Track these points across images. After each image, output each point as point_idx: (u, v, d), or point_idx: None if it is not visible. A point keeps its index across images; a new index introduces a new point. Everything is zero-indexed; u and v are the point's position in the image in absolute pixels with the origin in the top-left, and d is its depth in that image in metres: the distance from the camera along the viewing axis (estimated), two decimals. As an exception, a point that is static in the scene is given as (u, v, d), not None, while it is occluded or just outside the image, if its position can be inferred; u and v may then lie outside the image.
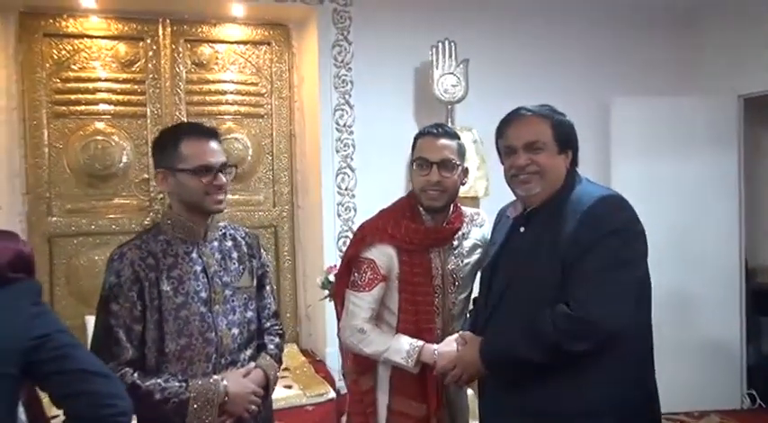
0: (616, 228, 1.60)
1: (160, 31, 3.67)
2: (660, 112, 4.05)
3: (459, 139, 1.99)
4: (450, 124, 3.67)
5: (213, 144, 1.74)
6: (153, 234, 1.74)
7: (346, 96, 3.69)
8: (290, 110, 3.96)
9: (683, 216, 4.01)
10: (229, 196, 3.68)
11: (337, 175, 3.69)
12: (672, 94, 4.25)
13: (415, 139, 2.01)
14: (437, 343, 1.90)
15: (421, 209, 1.97)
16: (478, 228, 2.09)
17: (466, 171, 2.01)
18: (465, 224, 2.05)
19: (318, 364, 3.55)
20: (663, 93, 4.25)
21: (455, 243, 2.02)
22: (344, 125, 3.68)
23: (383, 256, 1.94)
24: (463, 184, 2.01)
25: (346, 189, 3.69)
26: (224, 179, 1.74)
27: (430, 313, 1.95)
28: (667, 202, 4.00)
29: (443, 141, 1.93)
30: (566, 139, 1.77)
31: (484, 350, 1.74)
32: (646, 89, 4.22)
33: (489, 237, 2.03)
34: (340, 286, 2.03)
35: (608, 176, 4.09)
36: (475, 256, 2.05)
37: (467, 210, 2.12)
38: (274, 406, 2.35)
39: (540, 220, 1.74)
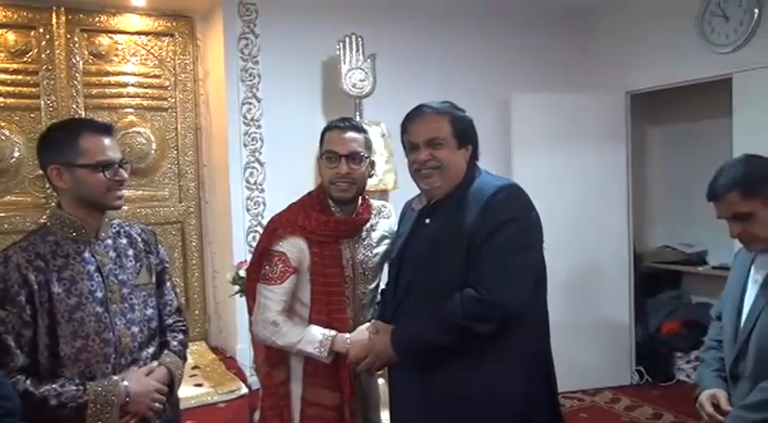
0: (515, 215, 1.71)
1: (54, 20, 3.50)
2: (555, 108, 4.27)
3: (366, 132, 2.04)
4: (358, 118, 3.73)
5: (110, 140, 1.71)
6: (41, 235, 1.67)
7: (254, 90, 3.66)
8: (196, 103, 3.89)
9: (577, 205, 4.25)
10: (133, 192, 3.65)
11: (245, 170, 3.65)
12: (566, 91, 4.50)
13: (323, 132, 2.04)
14: (349, 332, 1.94)
15: (330, 201, 2.01)
16: (386, 219, 2.15)
17: (373, 164, 2.07)
18: (373, 216, 2.11)
19: (229, 361, 3.52)
20: (558, 89, 4.48)
21: (364, 234, 2.07)
22: (252, 119, 3.65)
23: (294, 248, 1.96)
24: (371, 177, 2.07)
25: (255, 183, 3.67)
26: (125, 174, 1.72)
27: (341, 303, 1.99)
28: (563, 193, 4.22)
29: (351, 134, 1.98)
30: (464, 134, 1.86)
31: (395, 337, 1.79)
32: (543, 85, 4.44)
33: (396, 228, 2.10)
34: (252, 280, 2.04)
35: (509, 168, 4.28)
36: (383, 247, 2.11)
37: (374, 202, 2.17)
38: (185, 405, 2.34)
39: (444, 211, 1.82)
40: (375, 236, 2.10)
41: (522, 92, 4.28)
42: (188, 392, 2.95)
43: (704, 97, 4.37)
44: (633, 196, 4.45)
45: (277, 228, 1.99)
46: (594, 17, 4.62)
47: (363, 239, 2.06)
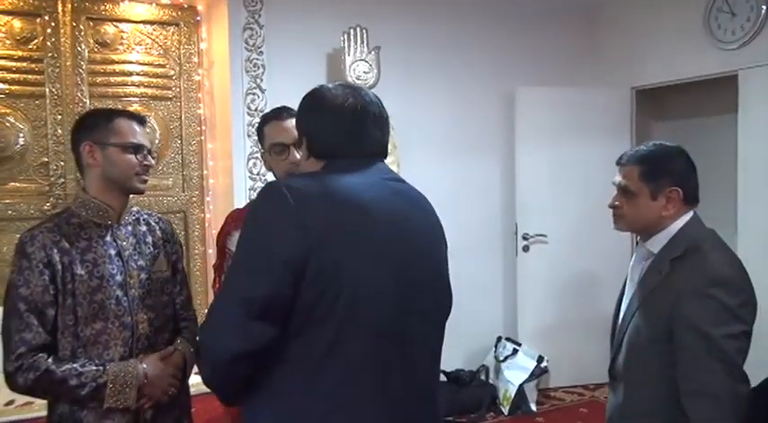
0: (248, 219, 1.32)
1: (59, 8, 3.49)
2: (560, 102, 4.27)
3: None
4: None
5: (142, 128, 1.79)
6: (65, 217, 1.71)
7: (258, 80, 3.66)
8: (200, 93, 3.89)
9: (581, 200, 4.25)
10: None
11: (249, 160, 3.66)
12: (571, 85, 4.49)
13: (261, 127, 2.05)
14: None
15: None
16: None
17: None
18: None
19: (231, 350, 3.53)
20: (564, 83, 4.48)
21: None
22: (256, 109, 3.65)
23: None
24: None
25: (258, 174, 3.67)
26: (153, 161, 1.79)
27: None
28: (567, 187, 4.23)
29: (291, 121, 1.97)
30: (300, 133, 1.48)
31: None
32: (548, 80, 4.44)
33: None
34: (216, 275, 2.07)
35: (512, 162, 4.29)
36: None
37: None
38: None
39: None
40: None
41: (526, 85, 4.28)
42: (191, 379, 2.96)
43: (710, 93, 4.36)
44: (636, 192, 4.45)
45: (224, 225, 2.05)
46: (601, 12, 4.61)
47: None
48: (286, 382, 1.26)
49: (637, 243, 1.85)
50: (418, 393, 1.36)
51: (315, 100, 1.44)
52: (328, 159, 1.39)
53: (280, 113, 2.01)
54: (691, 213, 1.70)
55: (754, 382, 2.43)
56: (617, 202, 1.76)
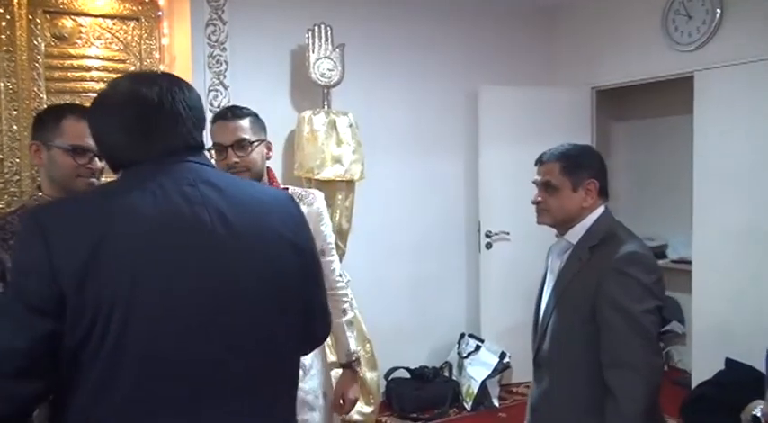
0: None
1: (15, 0, 3.40)
2: (523, 101, 4.32)
3: (252, 115, 2.03)
4: (326, 108, 3.72)
5: None
6: (19, 214, 1.70)
7: (221, 77, 3.62)
8: (161, 89, 3.83)
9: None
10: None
11: (211, 157, 3.61)
12: (534, 85, 4.55)
13: (210, 126, 2.04)
14: None
15: None
16: (307, 206, 2.09)
17: (269, 145, 2.07)
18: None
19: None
20: (526, 83, 4.54)
21: None
22: (219, 106, 3.61)
23: None
24: (269, 158, 2.06)
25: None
26: (99, 164, 1.74)
27: None
28: (529, 185, 4.25)
29: (234, 123, 1.98)
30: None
31: None
32: (511, 79, 4.49)
33: (323, 215, 2.12)
34: None
35: (476, 160, 4.33)
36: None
37: (295, 189, 2.15)
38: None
39: None
40: None
41: (490, 85, 4.32)
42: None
43: (667, 94, 4.47)
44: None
45: None
46: (563, 13, 4.68)
47: None
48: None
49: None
50: None
51: (97, 99, 1.23)
52: (122, 168, 1.20)
53: (225, 113, 2.00)
54: (603, 207, 1.84)
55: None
56: (539, 198, 1.88)
